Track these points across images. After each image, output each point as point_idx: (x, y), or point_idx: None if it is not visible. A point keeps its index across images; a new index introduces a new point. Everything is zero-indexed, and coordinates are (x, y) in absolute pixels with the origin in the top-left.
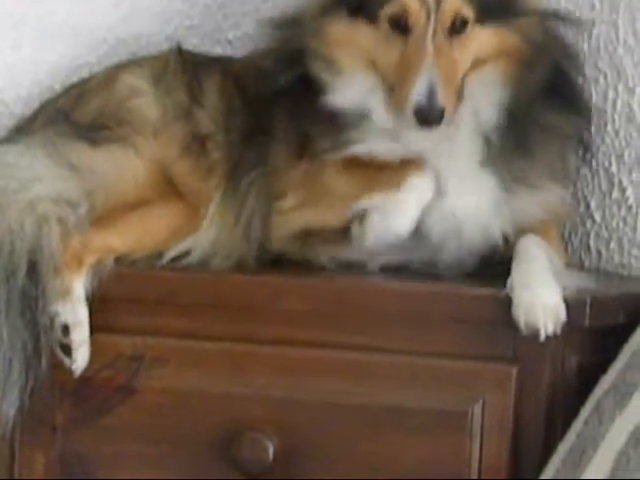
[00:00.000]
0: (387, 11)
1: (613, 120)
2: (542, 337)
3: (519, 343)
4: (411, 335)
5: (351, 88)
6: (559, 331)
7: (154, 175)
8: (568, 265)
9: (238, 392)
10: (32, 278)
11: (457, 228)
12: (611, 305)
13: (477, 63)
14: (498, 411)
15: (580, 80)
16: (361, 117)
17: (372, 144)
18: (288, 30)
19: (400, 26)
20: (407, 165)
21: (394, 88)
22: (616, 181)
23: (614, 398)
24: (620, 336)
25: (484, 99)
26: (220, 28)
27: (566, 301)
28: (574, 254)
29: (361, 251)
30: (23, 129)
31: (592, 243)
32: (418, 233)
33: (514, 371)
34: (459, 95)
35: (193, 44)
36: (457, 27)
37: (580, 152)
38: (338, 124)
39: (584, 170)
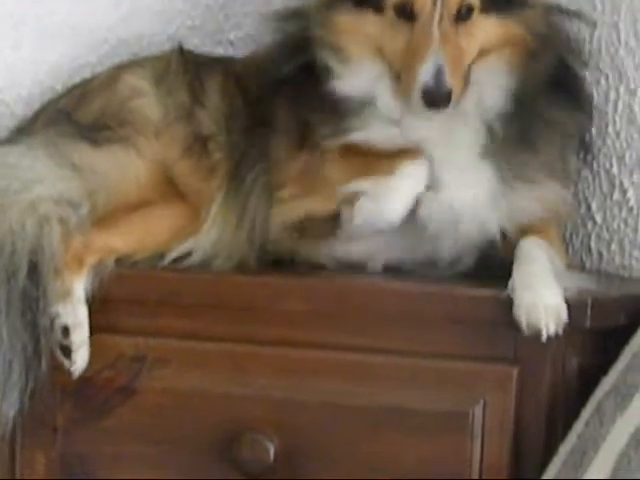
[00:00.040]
0: None
1: (614, 122)
2: (544, 337)
3: (520, 344)
4: (412, 336)
5: (358, 75)
6: (561, 331)
7: (156, 176)
8: (569, 266)
9: (239, 393)
10: (33, 279)
11: (454, 220)
12: (612, 306)
13: (482, 52)
14: (499, 412)
15: (584, 75)
16: (364, 105)
17: (372, 132)
18: (292, 22)
19: (406, 13)
20: (402, 153)
21: (401, 74)
22: (617, 183)
23: (615, 400)
24: (621, 337)
25: (489, 86)
26: (222, 28)
27: (567, 302)
28: (575, 255)
29: (356, 244)
30: (24, 130)
31: (593, 244)
32: (415, 225)
33: (515, 372)
34: (465, 82)
35: (194, 44)
36: (463, 14)
37: (581, 153)
38: (340, 112)
39: (585, 171)
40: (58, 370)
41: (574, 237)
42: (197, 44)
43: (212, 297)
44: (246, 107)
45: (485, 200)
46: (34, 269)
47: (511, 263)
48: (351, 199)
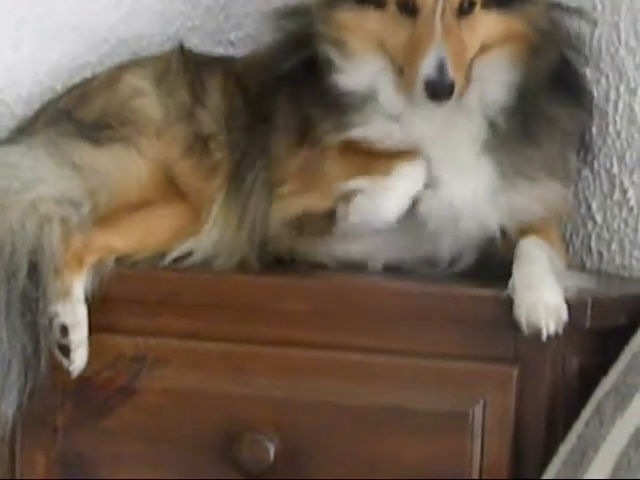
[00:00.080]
0: None
1: (615, 121)
2: (544, 337)
3: (520, 344)
4: (412, 336)
5: (361, 70)
6: (561, 331)
7: (157, 175)
8: (569, 266)
9: (239, 393)
10: (33, 279)
11: (454, 217)
12: (612, 306)
13: (484, 47)
14: (499, 412)
15: (585, 73)
16: (365, 100)
17: (372, 128)
18: (293, 20)
19: (408, 8)
20: (401, 153)
21: (403, 68)
22: (617, 182)
23: (614, 400)
24: (621, 337)
25: (491, 81)
26: (222, 29)
27: (567, 302)
28: (575, 255)
29: (356, 243)
30: (25, 130)
31: (593, 244)
32: (415, 223)
33: (515, 372)
34: (467, 77)
35: (195, 45)
36: (465, 9)
37: (582, 153)
38: (341, 107)
39: (585, 171)
40: (58, 370)
41: (574, 237)
42: (197, 44)
43: (212, 297)
44: (246, 105)
45: (485, 196)
46: (34, 269)
47: (511, 263)
48: (348, 196)
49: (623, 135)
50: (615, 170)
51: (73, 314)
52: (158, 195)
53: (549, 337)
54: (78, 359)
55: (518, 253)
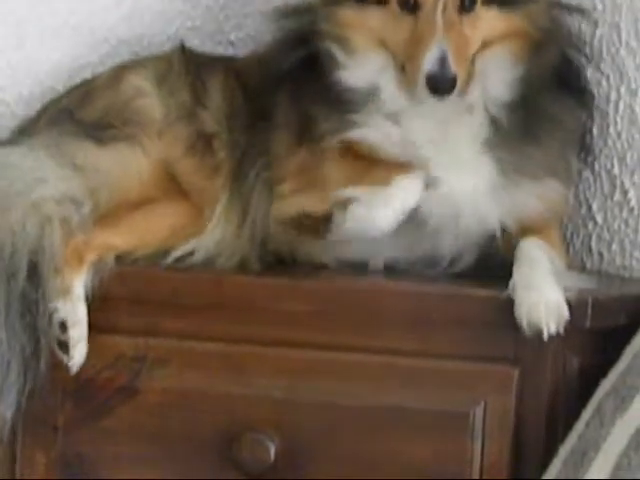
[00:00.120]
0: None
1: (615, 122)
2: (545, 336)
3: (520, 344)
4: (412, 336)
5: (363, 67)
6: (562, 330)
7: (159, 173)
8: (569, 267)
9: (239, 393)
10: (33, 280)
11: (454, 214)
12: (612, 306)
13: (485, 44)
14: (499, 412)
15: (586, 71)
16: (367, 97)
17: (373, 129)
18: (293, 19)
19: (409, 5)
20: (401, 165)
21: (405, 64)
22: (618, 183)
23: (615, 401)
24: (621, 338)
25: (493, 77)
26: (222, 29)
27: (568, 302)
28: (576, 256)
29: (356, 243)
30: (26, 130)
31: (594, 245)
32: (416, 222)
33: (515, 372)
34: (469, 73)
35: (195, 45)
36: (466, 5)
37: (582, 154)
38: (342, 104)
39: (586, 172)
40: (59, 370)
41: (575, 237)
42: (197, 44)
43: (212, 297)
44: (247, 103)
45: (485, 193)
46: (34, 270)
47: (511, 263)
48: (344, 203)
49: (624, 136)
50: (616, 171)
51: (73, 310)
52: (160, 193)
53: (550, 337)
54: (77, 355)
55: (518, 254)
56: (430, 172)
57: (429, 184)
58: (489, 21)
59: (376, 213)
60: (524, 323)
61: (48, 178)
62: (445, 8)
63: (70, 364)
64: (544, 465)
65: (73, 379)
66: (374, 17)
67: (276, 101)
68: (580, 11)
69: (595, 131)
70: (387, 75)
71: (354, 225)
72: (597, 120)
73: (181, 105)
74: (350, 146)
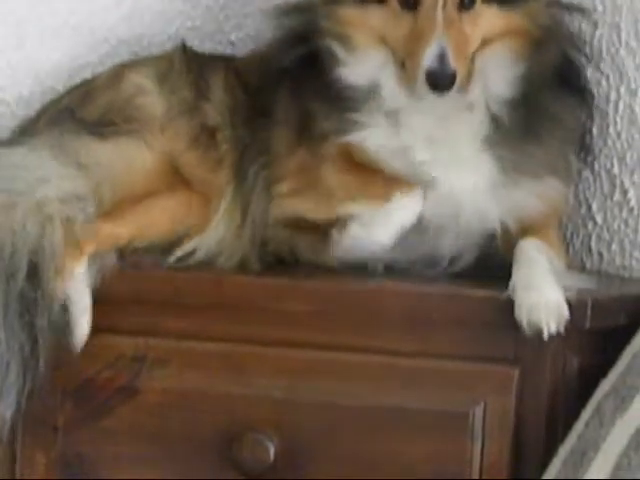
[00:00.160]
0: None
1: (615, 122)
2: (545, 336)
3: (520, 345)
4: (412, 336)
5: (364, 64)
6: (562, 330)
7: (162, 166)
8: (569, 267)
9: (239, 393)
10: (32, 280)
11: (454, 212)
12: (612, 307)
13: (485, 42)
14: (499, 412)
15: (586, 70)
16: (367, 96)
17: (372, 132)
18: (294, 17)
19: (409, 3)
20: (400, 181)
21: (405, 61)
22: (618, 183)
23: (614, 401)
24: (621, 337)
25: (494, 75)
26: (222, 29)
27: (567, 302)
28: (575, 256)
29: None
30: (27, 130)
31: (593, 245)
32: (417, 222)
33: (515, 373)
34: (469, 70)
35: (195, 45)
36: (466, 3)
37: (582, 154)
38: (342, 103)
39: (586, 172)
40: (59, 370)
41: (575, 238)
42: (197, 44)
43: (212, 297)
44: (248, 101)
45: (485, 191)
46: (34, 270)
47: (511, 264)
48: (344, 222)
49: (623, 136)
50: (615, 171)
51: (74, 288)
52: (163, 186)
53: (550, 337)
54: (79, 330)
55: (518, 254)
56: (429, 174)
57: (428, 186)
58: (489, 19)
59: (376, 231)
60: (524, 323)
61: (52, 177)
62: (445, 5)
63: (73, 340)
64: (544, 465)
65: (73, 379)
66: (374, 15)
67: (276, 99)
68: (580, 11)
69: (595, 131)
70: (387, 72)
71: (353, 243)
72: (597, 120)
73: (183, 101)
74: (349, 152)
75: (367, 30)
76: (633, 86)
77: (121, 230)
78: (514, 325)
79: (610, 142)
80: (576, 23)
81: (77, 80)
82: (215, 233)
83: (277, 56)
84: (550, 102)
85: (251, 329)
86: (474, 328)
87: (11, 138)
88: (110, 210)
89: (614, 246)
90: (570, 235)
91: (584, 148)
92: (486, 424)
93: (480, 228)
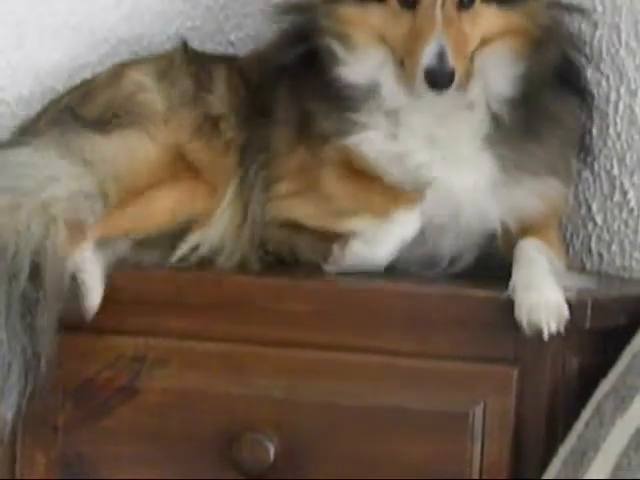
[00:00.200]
0: None
1: (615, 123)
2: (545, 336)
3: (520, 345)
4: (412, 337)
5: (363, 63)
6: (562, 330)
7: (166, 157)
8: (569, 268)
9: (239, 393)
10: (34, 280)
11: (455, 211)
12: (612, 307)
13: (485, 41)
14: (499, 413)
15: (586, 70)
16: (367, 95)
17: (372, 134)
18: (294, 15)
19: (408, 2)
20: (400, 194)
21: (404, 59)
22: (617, 184)
23: (614, 401)
24: (621, 337)
25: (494, 74)
26: (222, 29)
27: (567, 302)
28: (575, 257)
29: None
30: (28, 130)
31: (593, 246)
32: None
33: (515, 373)
34: (468, 69)
35: (195, 45)
36: (465, 2)
37: (582, 154)
38: (341, 102)
39: (586, 173)
40: (59, 370)
41: (574, 238)
42: (197, 44)
43: (212, 297)
44: (249, 100)
45: (486, 190)
46: (36, 270)
47: (511, 264)
48: (345, 239)
49: (623, 136)
50: (615, 171)
51: (83, 259)
52: (167, 177)
53: (550, 337)
54: (92, 296)
55: (517, 254)
56: (429, 177)
57: (428, 186)
58: (488, 18)
59: (376, 249)
60: (524, 323)
61: (61, 176)
62: (444, 4)
63: (86, 305)
64: (544, 465)
65: (73, 379)
66: (374, 13)
67: (276, 97)
68: (580, 11)
69: (595, 132)
70: (387, 71)
71: (353, 260)
72: (597, 121)
73: (184, 92)
74: (349, 158)
75: (367, 29)
76: (633, 87)
77: (122, 219)
78: (514, 325)
79: (610, 143)
80: (576, 23)
81: (77, 80)
82: (219, 224)
83: (277, 54)
84: (550, 102)
85: (251, 329)
86: (474, 328)
87: (12, 139)
88: (115, 204)
89: (614, 247)
90: (570, 236)
91: (584, 149)
92: (486, 424)
93: (480, 228)
